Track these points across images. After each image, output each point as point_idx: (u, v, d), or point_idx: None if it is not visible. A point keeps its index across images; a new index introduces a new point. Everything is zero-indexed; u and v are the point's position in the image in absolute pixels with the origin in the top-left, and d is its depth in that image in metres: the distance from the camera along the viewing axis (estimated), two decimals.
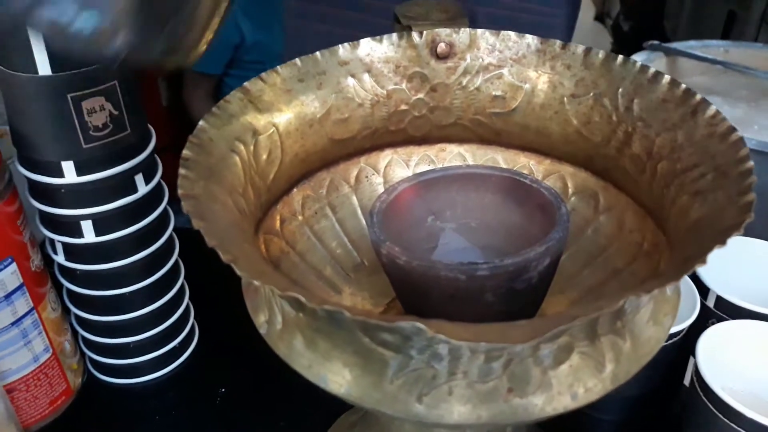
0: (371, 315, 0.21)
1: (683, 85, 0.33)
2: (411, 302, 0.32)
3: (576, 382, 0.25)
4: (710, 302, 0.50)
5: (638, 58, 0.81)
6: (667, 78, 0.34)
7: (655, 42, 0.85)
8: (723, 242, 0.22)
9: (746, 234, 0.66)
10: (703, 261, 0.22)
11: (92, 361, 0.53)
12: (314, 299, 0.21)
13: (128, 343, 0.51)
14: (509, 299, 0.29)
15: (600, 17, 2.52)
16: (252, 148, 0.33)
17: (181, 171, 0.28)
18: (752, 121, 0.80)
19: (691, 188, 0.30)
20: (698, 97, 0.32)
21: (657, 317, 0.28)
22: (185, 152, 0.29)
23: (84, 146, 0.42)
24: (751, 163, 0.27)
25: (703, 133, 0.31)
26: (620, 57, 0.36)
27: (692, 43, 0.87)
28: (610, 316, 0.25)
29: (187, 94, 1.45)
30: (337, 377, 0.26)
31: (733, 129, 0.30)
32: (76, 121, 0.41)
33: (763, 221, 0.67)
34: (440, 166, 0.41)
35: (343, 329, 0.25)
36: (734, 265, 0.53)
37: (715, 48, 0.87)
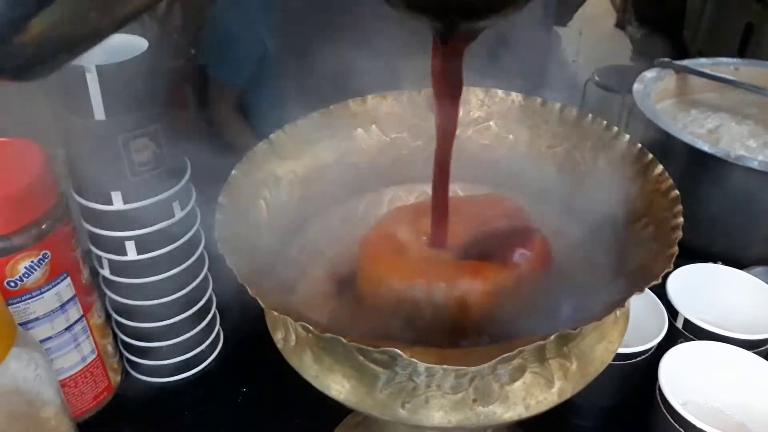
0: (361, 341, 0.27)
1: (639, 144, 0.39)
2: None
3: (528, 396, 0.31)
4: (679, 324, 0.55)
5: (649, 74, 0.83)
6: (626, 137, 0.40)
7: (666, 59, 0.86)
8: (641, 290, 0.28)
9: (749, 256, 0.69)
10: (622, 305, 0.28)
11: (130, 361, 0.59)
12: (318, 327, 0.27)
13: (162, 347, 0.56)
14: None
15: (621, 24, 2.51)
16: (275, 191, 0.40)
17: (217, 216, 0.34)
18: (759, 138, 0.83)
19: (637, 237, 0.35)
20: (650, 156, 0.38)
21: (603, 343, 0.34)
22: (221, 199, 0.35)
23: (130, 179, 0.48)
24: (681, 219, 0.33)
25: (651, 188, 0.37)
26: (590, 115, 0.42)
27: (703, 60, 0.88)
28: (556, 343, 0.31)
29: (211, 104, 1.51)
30: (338, 386, 0.32)
31: (673, 186, 0.36)
32: (124, 158, 0.47)
33: (765, 244, 0.71)
34: None
35: (343, 349, 0.31)
36: (706, 290, 0.59)
37: (725, 65, 0.88)
